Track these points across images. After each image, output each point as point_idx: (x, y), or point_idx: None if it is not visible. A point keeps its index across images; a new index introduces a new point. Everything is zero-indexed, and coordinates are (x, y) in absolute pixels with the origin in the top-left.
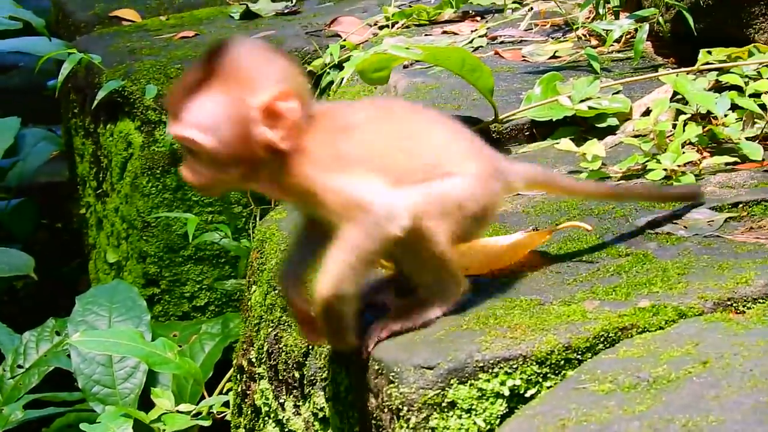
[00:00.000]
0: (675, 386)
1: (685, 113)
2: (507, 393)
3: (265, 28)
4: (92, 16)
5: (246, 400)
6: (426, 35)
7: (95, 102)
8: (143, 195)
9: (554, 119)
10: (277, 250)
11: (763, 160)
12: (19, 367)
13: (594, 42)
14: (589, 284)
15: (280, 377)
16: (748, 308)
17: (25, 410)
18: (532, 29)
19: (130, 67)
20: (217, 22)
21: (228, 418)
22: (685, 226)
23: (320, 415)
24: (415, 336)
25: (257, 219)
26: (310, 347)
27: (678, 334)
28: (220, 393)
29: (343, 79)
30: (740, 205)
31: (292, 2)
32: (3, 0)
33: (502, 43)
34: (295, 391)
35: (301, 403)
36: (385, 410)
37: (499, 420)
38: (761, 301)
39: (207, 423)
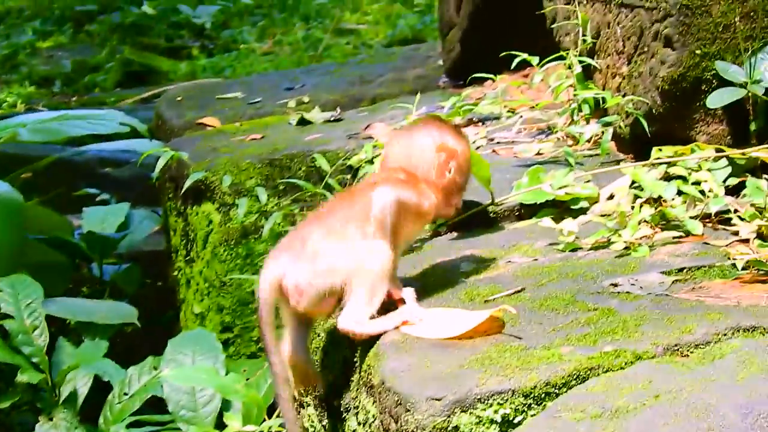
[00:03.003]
0: (633, 415)
1: (641, 197)
2: (499, 420)
3: (316, 132)
4: (184, 123)
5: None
6: None
7: (184, 188)
8: (221, 261)
9: (538, 202)
10: None
11: (703, 234)
12: (125, 394)
13: (570, 142)
14: (564, 333)
15: (323, 405)
16: (691, 352)
17: (128, 429)
18: (521, 132)
19: (211, 162)
20: (279, 127)
21: None
22: (641, 287)
23: None
24: (425, 373)
25: None
26: (348, 381)
27: (635, 373)
28: (278, 416)
29: (375, 170)
30: (685, 270)
31: (337, 112)
32: (115, 112)
33: (498, 143)
34: (334, 416)
35: (338, 427)
36: None
37: None
38: (702, 346)
39: None
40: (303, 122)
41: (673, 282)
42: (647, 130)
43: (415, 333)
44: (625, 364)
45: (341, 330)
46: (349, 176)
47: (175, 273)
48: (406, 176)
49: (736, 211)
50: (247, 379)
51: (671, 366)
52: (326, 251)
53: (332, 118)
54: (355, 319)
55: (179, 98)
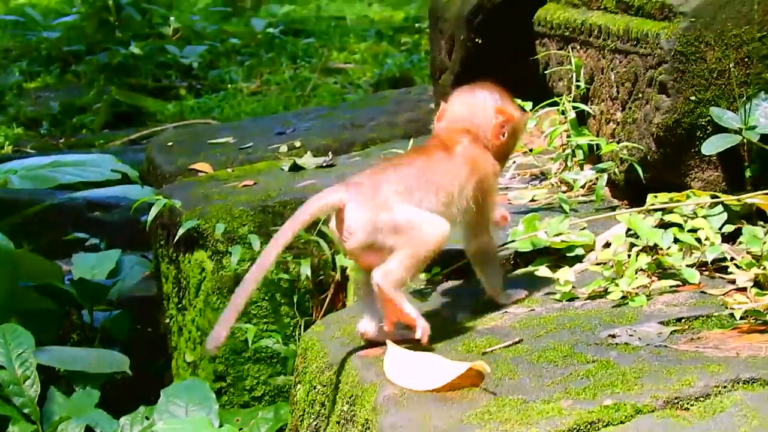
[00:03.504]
0: None
1: (637, 245)
2: None
3: (309, 177)
4: (175, 168)
5: None
6: None
7: (177, 236)
8: (213, 309)
9: (533, 250)
10: (317, 357)
11: (700, 283)
12: None
13: (564, 188)
14: (563, 386)
15: None
16: (691, 405)
17: None
18: (515, 178)
19: (204, 209)
20: (271, 173)
21: None
22: (639, 338)
23: None
24: (425, 428)
25: (302, 328)
26: None
27: (635, 427)
28: None
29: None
30: (683, 320)
31: (329, 157)
32: (106, 157)
33: None
34: None
35: None
36: None
37: None
38: (702, 399)
39: None
40: (295, 168)
41: (671, 332)
42: (642, 176)
43: (397, 381)
44: (626, 417)
45: (374, 279)
46: None
47: (167, 320)
48: (468, 137)
49: (732, 258)
50: (240, 429)
51: (672, 420)
52: (393, 208)
53: (324, 164)
54: (390, 278)
55: (170, 143)
